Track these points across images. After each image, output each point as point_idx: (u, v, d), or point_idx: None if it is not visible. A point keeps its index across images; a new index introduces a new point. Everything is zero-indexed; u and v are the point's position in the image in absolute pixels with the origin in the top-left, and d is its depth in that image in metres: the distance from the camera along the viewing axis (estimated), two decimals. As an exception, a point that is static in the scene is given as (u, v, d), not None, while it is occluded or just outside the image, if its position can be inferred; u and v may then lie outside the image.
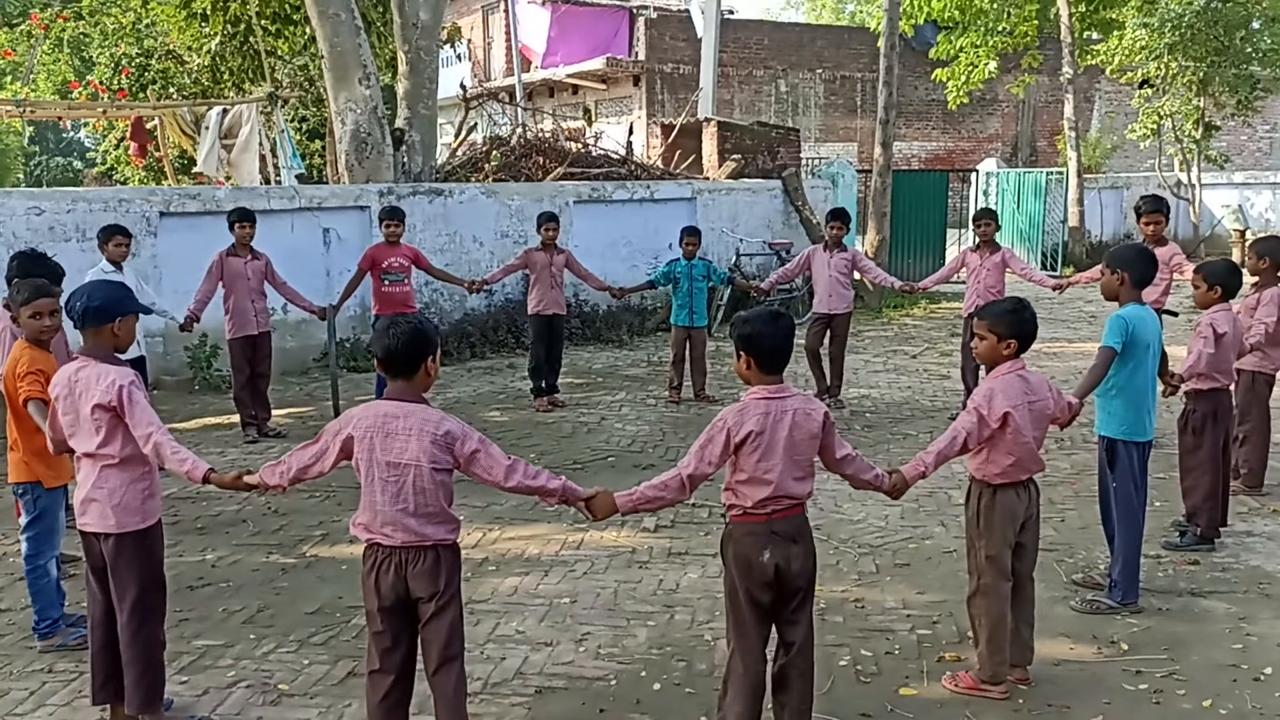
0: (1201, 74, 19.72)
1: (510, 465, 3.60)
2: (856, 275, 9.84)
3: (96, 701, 4.12)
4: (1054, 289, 9.25)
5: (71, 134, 39.60)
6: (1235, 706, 4.23)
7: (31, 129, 29.99)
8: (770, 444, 3.67)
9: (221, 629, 5.09)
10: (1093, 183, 21.78)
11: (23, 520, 4.89)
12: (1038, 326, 4.38)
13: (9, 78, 36.27)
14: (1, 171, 31.32)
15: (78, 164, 39.10)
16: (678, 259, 9.88)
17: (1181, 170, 21.87)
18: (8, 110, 14.79)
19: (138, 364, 7.47)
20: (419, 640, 3.63)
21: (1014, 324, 4.32)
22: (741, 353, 3.75)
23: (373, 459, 3.48)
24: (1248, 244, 6.93)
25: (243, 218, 8.58)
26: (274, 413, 9.04)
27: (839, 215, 9.72)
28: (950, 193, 19.73)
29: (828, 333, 9.59)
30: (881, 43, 15.88)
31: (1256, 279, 6.59)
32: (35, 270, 5.33)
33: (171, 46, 17.48)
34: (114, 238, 7.76)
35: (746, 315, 3.82)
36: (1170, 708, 4.24)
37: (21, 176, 34.76)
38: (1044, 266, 19.49)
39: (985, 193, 20.73)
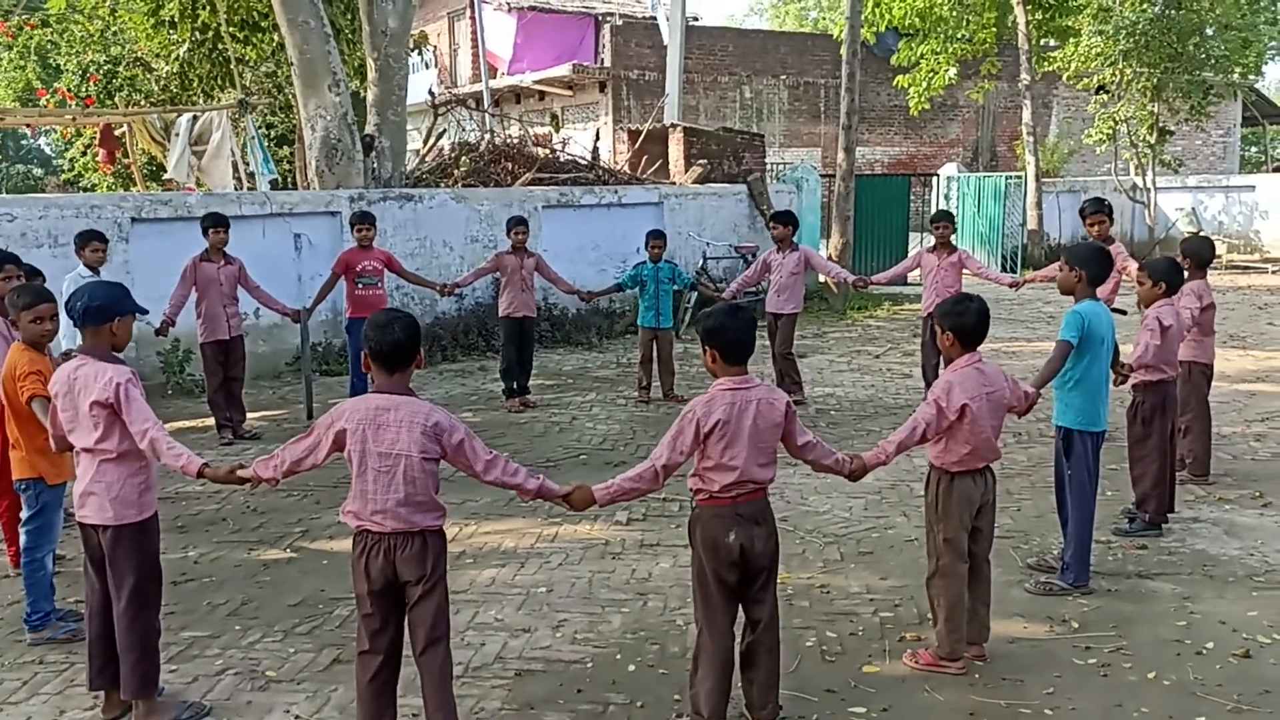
0: (1156, 80, 20.17)
1: (490, 460, 3.79)
2: (821, 277, 10.12)
3: (93, 687, 4.26)
4: (1010, 286, 9.56)
5: (32, 142, 39.26)
6: (1178, 678, 4.48)
7: (-5, 136, 29.74)
8: (736, 432, 3.89)
9: (207, 621, 5.23)
10: (1051, 187, 22.24)
11: (24, 514, 5.01)
12: (983, 320, 4.58)
13: (-31, 84, 35.96)
14: (-39, 179, 30.99)
15: (37, 171, 38.81)
16: (644, 262, 10.10)
17: (1137, 174, 22.35)
18: (-26, 118, 14.80)
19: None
20: (406, 623, 3.80)
21: (950, 317, 4.57)
22: (707, 346, 3.97)
23: (365, 450, 3.66)
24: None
25: (216, 223, 8.67)
26: (249, 415, 9.16)
27: (778, 217, 10.05)
28: (912, 197, 20.14)
29: (774, 331, 9.84)
30: (844, 49, 16.17)
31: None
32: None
33: (139, 53, 17.50)
34: (91, 243, 7.84)
35: (710, 310, 4.10)
36: (1117, 680, 4.49)
37: (-19, 184, 34.47)
38: (1004, 268, 19.87)
39: (946, 197, 21.12)
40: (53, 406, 4.22)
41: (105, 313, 4.13)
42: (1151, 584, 5.51)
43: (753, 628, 4.04)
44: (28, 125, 16.67)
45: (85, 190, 19.62)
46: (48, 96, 18.74)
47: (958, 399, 4.48)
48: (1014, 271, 19.73)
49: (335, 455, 3.77)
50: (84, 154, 20.16)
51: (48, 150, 38.57)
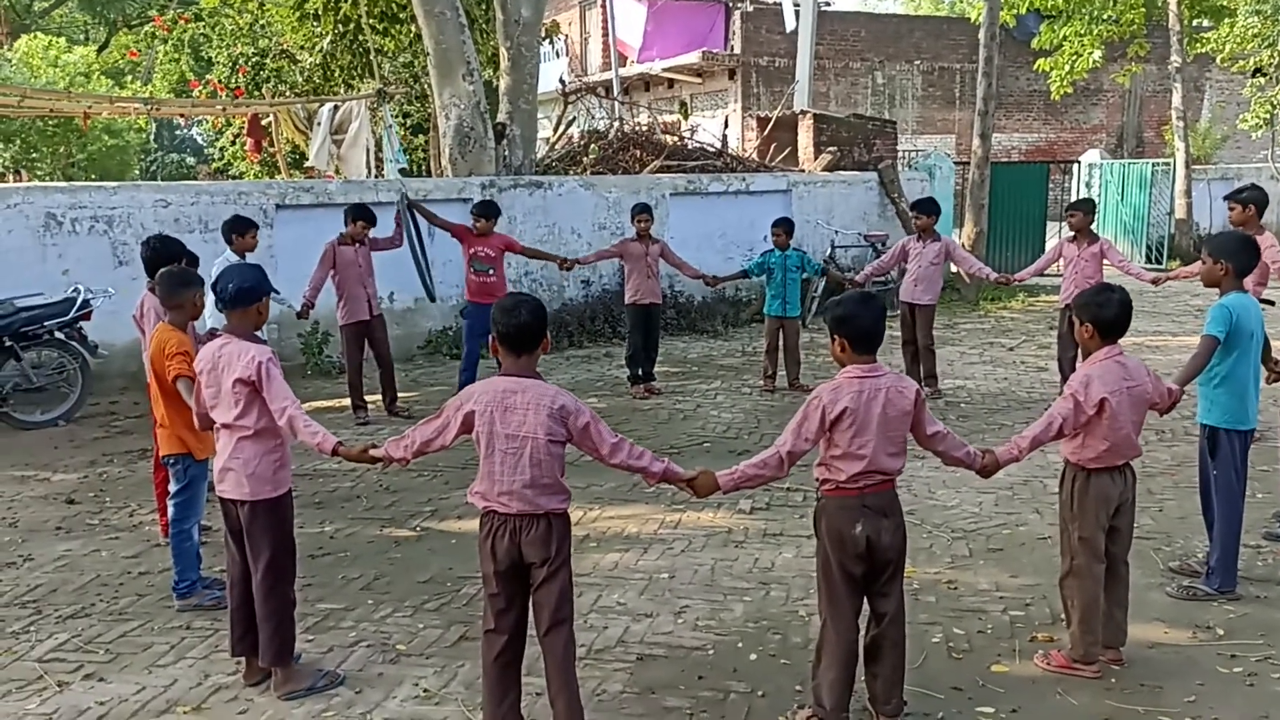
0: (1317, 61, 19.07)
1: (616, 443, 3.81)
2: (953, 267, 9.84)
3: (235, 653, 4.46)
4: (1151, 283, 9.15)
5: (185, 132, 41.10)
6: (1331, 692, 4.25)
7: (153, 126, 31.26)
8: (864, 421, 3.82)
9: (342, 594, 5.42)
10: (1201, 174, 21.21)
11: (171, 488, 5.28)
12: (1125, 312, 4.40)
13: (128, 78, 37.92)
14: (122, 167, 32.67)
15: (190, 160, 40.64)
16: (772, 250, 10.01)
17: (1295, 161, 21.17)
18: (135, 108, 15.54)
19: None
20: (531, 603, 3.86)
21: (1090, 308, 4.39)
22: (835, 335, 3.90)
23: (493, 432, 3.72)
24: None
25: (360, 215, 8.91)
26: (372, 398, 9.35)
27: (920, 205, 9.77)
28: (1051, 185, 19.43)
29: (912, 322, 9.62)
30: (982, 33, 15.72)
31: None
32: (178, 254, 5.78)
33: (285, 46, 18.15)
34: (250, 231, 8.08)
35: (840, 298, 3.99)
36: (1265, 690, 4.27)
37: (138, 172, 36.26)
38: (1149, 260, 19.10)
39: (1088, 184, 20.35)
40: (197, 385, 4.43)
41: (252, 294, 4.32)
42: (1304, 592, 5.24)
43: (878, 621, 3.98)
44: (181, 116, 17.40)
45: (234, 178, 20.46)
46: (200, 88, 19.58)
47: (1096, 393, 4.32)
48: (1159, 263, 18.94)
49: (464, 437, 3.84)
50: (233, 143, 21.01)
51: (199, 140, 40.33)
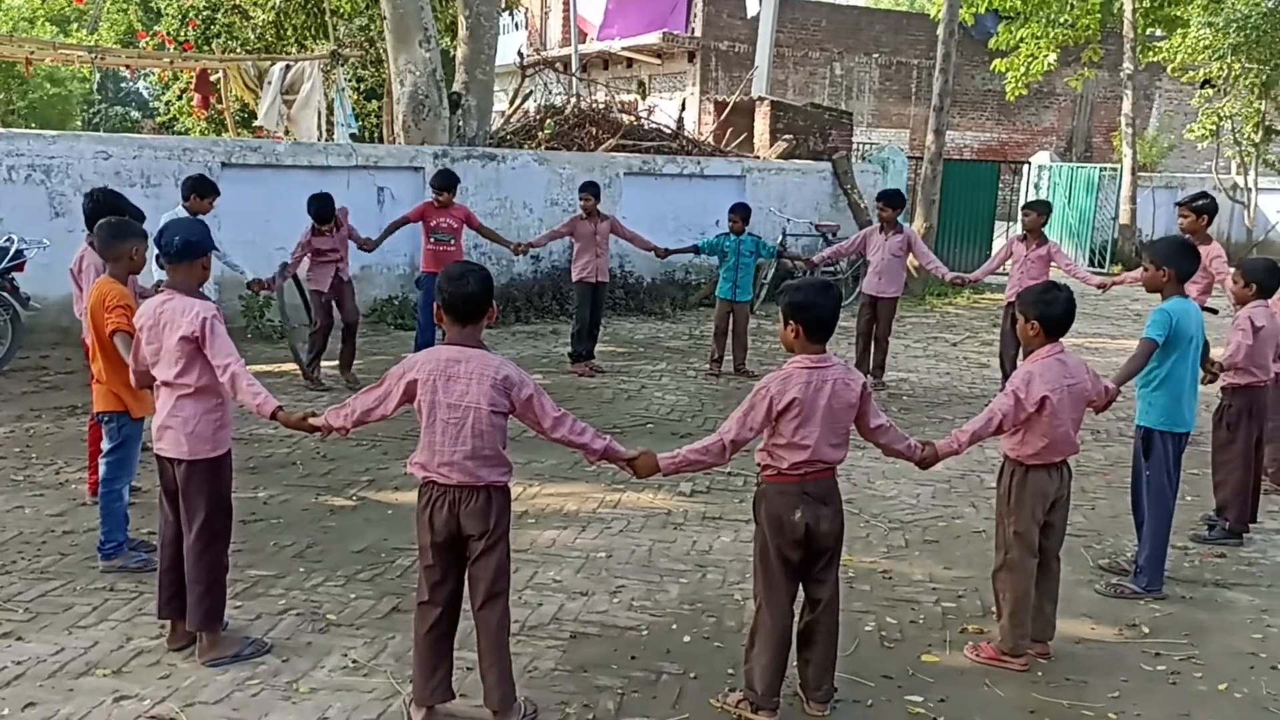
0: (1265, 77, 19.44)
1: (559, 417, 3.76)
2: (912, 259, 9.89)
3: (161, 616, 4.36)
4: (1097, 287, 9.26)
5: (131, 84, 40.18)
6: (1250, 691, 4.34)
7: (97, 76, 30.48)
8: (809, 412, 3.81)
9: (273, 561, 5.32)
10: (1147, 181, 21.57)
11: (104, 446, 5.14)
12: (1070, 310, 4.43)
13: (74, 25, 36.92)
14: (63, 117, 31.91)
15: (135, 113, 39.75)
16: (727, 233, 9.97)
17: (1239, 173, 21.61)
18: (79, 57, 15.12)
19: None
20: (467, 576, 3.82)
21: (1037, 305, 4.43)
22: (790, 320, 3.87)
23: (435, 401, 3.66)
24: None
25: (322, 207, 8.71)
26: (324, 363, 9.22)
27: (886, 196, 9.77)
28: (1001, 184, 19.68)
29: (873, 315, 9.66)
30: (940, 30, 15.81)
31: None
32: (122, 209, 5.60)
33: (238, 2, 17.75)
34: (211, 196, 7.86)
35: (798, 283, 3.96)
36: (1186, 689, 4.35)
37: (80, 123, 35.37)
38: (1092, 263, 19.40)
39: (1037, 186, 20.62)
40: (136, 340, 4.31)
41: (198, 249, 4.22)
42: (1228, 594, 5.34)
43: (812, 607, 3.99)
44: (127, 67, 16.97)
45: (179, 134, 20.01)
46: (147, 39, 19.12)
47: (1038, 390, 4.36)
48: (1102, 266, 19.26)
49: (405, 408, 3.78)
50: (180, 98, 20.57)
51: (145, 93, 39.46)
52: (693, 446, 3.96)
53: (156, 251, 4.33)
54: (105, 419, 5.11)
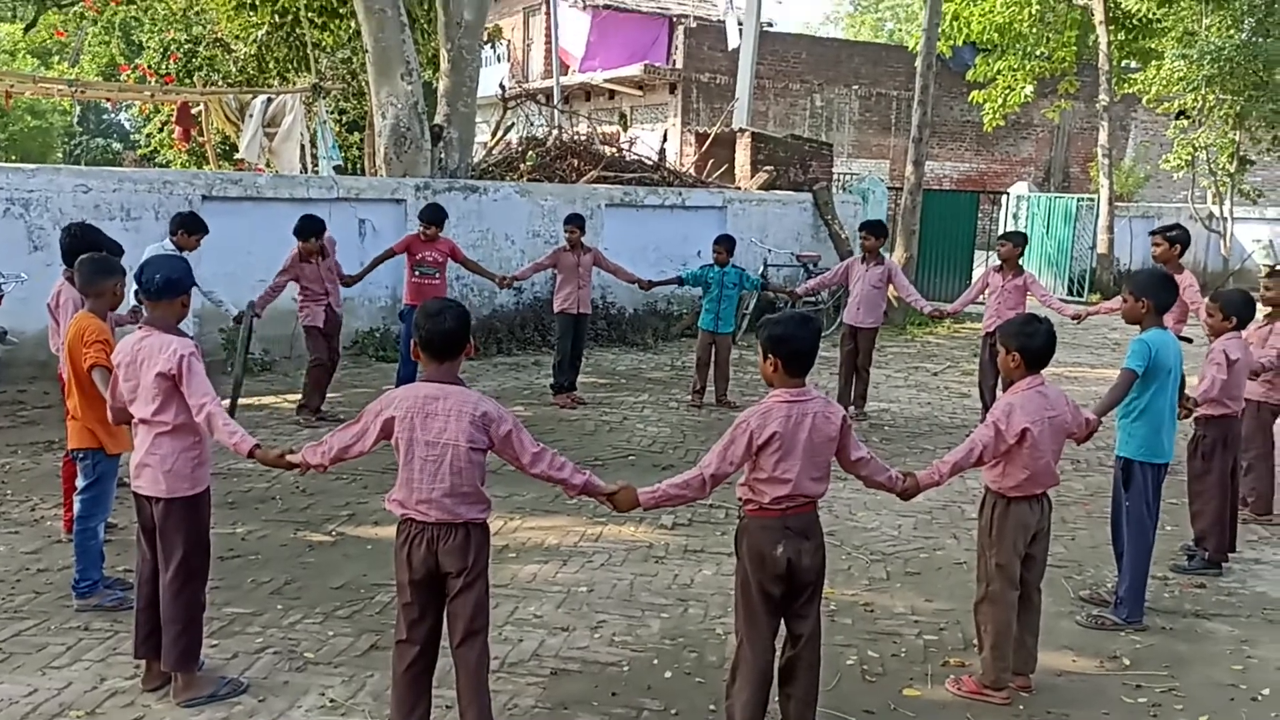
0: (1239, 108, 19.69)
1: (537, 453, 3.76)
2: (892, 289, 9.94)
3: (138, 655, 4.30)
4: (1072, 318, 9.31)
5: (113, 116, 40.15)
6: (1231, 724, 4.34)
7: (78, 109, 30.45)
8: (790, 446, 3.81)
9: (250, 598, 5.27)
10: (1124, 211, 21.77)
11: (79, 483, 5.09)
12: (1050, 343, 4.46)
13: (55, 58, 36.92)
14: (44, 149, 31.83)
15: (116, 145, 39.68)
16: (711, 265, 10.00)
17: (1214, 203, 21.84)
18: (59, 90, 15.12)
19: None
20: (446, 614, 3.79)
21: (1018, 337, 4.45)
22: (769, 354, 3.87)
23: (413, 438, 3.64)
24: (1264, 274, 7.04)
25: (309, 232, 8.66)
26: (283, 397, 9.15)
27: (869, 227, 9.83)
28: (980, 214, 19.83)
29: (854, 345, 9.70)
30: (919, 62, 15.97)
31: (1270, 309, 6.68)
32: (100, 244, 5.57)
33: (219, 34, 17.80)
34: (199, 234, 7.84)
35: (777, 317, 3.96)
36: (1167, 721, 4.36)
37: (61, 155, 35.29)
38: (1070, 292, 19.53)
39: (1015, 216, 20.78)
40: (114, 377, 4.28)
41: (178, 287, 4.22)
42: (1208, 624, 5.35)
43: (794, 643, 3.97)
44: (108, 99, 16.97)
45: (160, 166, 19.99)
46: (129, 72, 19.13)
47: (1018, 422, 4.37)
48: (1080, 295, 19.38)
49: (384, 442, 3.76)
50: (161, 130, 20.54)
51: (127, 125, 39.39)
52: (673, 481, 3.95)
53: (135, 287, 4.32)
54: (80, 456, 5.07)
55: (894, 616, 5.33)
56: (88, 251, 5.31)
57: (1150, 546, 5.30)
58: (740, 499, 3.95)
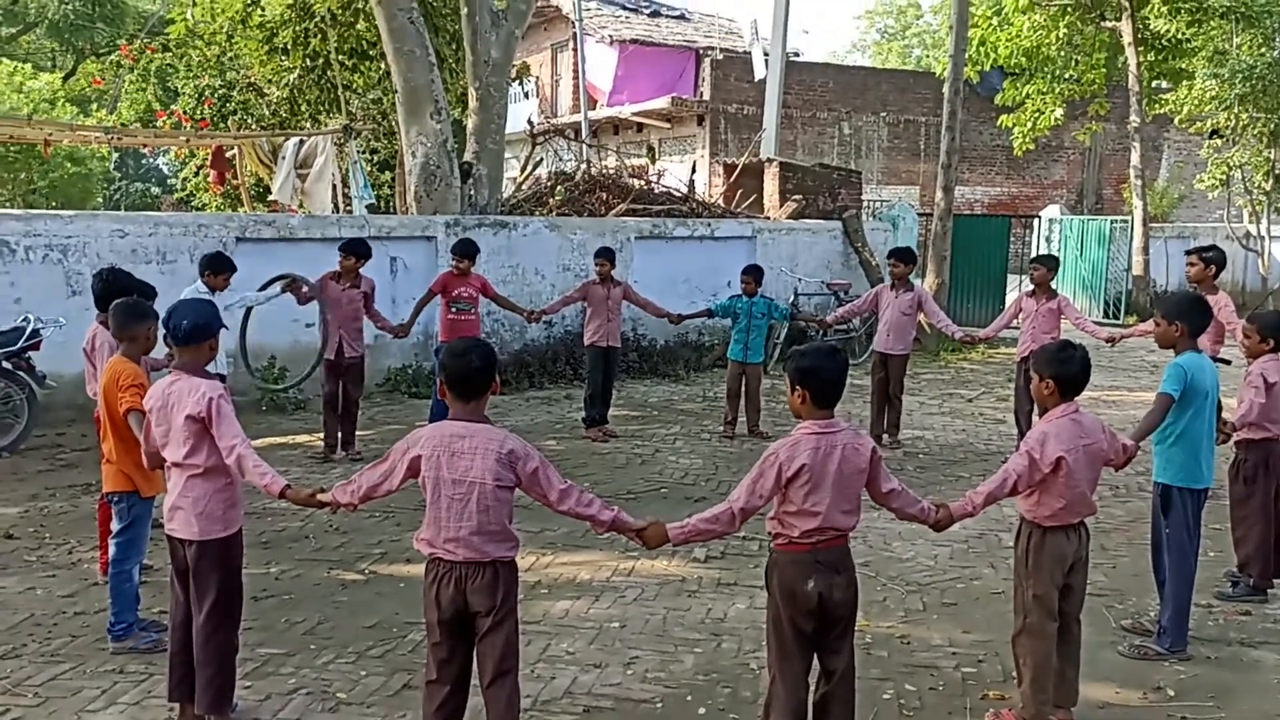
0: (1273, 125, 19.46)
1: (565, 489, 3.75)
2: (921, 317, 9.88)
3: (172, 698, 4.31)
4: (1106, 340, 9.20)
5: (151, 161, 40.81)
6: (1281, 757, 4.23)
7: (116, 155, 30.97)
8: (819, 478, 3.77)
9: (283, 639, 5.28)
10: (1159, 232, 21.57)
11: (114, 526, 5.14)
12: (1085, 370, 4.40)
13: (94, 105, 37.68)
14: (84, 195, 32.31)
15: (155, 190, 40.31)
16: (740, 295, 10.00)
17: (1251, 222, 21.57)
18: (96, 137, 15.40)
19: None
20: (475, 654, 3.77)
21: (1053, 364, 4.39)
22: (797, 386, 3.85)
23: (439, 477, 3.65)
24: None
25: (350, 252, 8.76)
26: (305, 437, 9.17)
27: (898, 253, 9.78)
28: (1012, 238, 19.70)
29: (885, 373, 9.64)
30: (946, 88, 15.96)
31: None
32: (132, 288, 5.65)
33: (252, 79, 18.09)
34: (226, 272, 7.91)
35: (804, 349, 3.94)
36: (1214, 755, 4.25)
37: (101, 200, 35.89)
38: (1106, 315, 19.34)
39: (1048, 239, 20.64)
40: (147, 421, 4.32)
41: (206, 332, 4.27)
42: (1255, 653, 5.23)
43: (828, 678, 3.92)
44: (145, 145, 17.28)
45: (197, 209, 20.29)
46: (165, 118, 19.46)
47: (1053, 451, 4.31)
48: (1116, 318, 19.18)
49: (412, 480, 3.76)
50: (197, 174, 20.86)
51: (165, 170, 40.05)
52: (702, 515, 3.92)
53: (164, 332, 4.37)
54: (115, 499, 5.12)
55: (931, 649, 5.25)
56: (120, 296, 5.38)
57: (1192, 573, 5.20)
58: (770, 533, 3.92)
